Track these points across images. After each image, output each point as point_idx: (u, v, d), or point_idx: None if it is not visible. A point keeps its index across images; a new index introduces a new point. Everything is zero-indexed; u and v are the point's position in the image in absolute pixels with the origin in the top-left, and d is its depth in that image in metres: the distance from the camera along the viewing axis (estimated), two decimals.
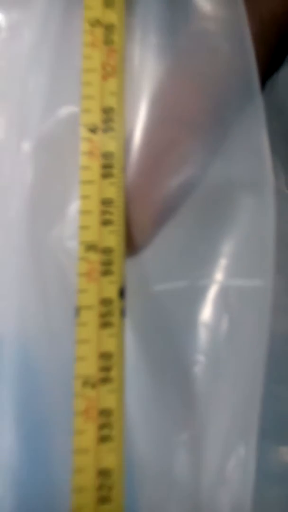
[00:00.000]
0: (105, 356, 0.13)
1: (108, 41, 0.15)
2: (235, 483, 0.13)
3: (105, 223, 0.14)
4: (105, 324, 0.13)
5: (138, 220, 0.14)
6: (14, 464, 0.14)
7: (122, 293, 0.13)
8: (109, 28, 0.16)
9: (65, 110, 0.15)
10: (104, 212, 0.14)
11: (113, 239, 0.14)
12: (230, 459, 0.13)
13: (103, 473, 0.12)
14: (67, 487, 0.13)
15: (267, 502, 0.20)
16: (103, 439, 0.13)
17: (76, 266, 0.14)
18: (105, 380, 0.13)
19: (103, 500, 0.12)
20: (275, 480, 0.21)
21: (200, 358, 0.14)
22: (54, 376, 0.14)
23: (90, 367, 0.13)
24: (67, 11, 0.16)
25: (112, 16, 0.16)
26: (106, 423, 0.13)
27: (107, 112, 0.15)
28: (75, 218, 0.15)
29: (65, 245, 0.15)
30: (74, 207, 0.15)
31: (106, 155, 0.14)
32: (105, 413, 0.13)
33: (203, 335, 0.14)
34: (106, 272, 0.14)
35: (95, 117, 0.15)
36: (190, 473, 0.14)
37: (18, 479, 0.13)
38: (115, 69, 0.15)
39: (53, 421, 0.14)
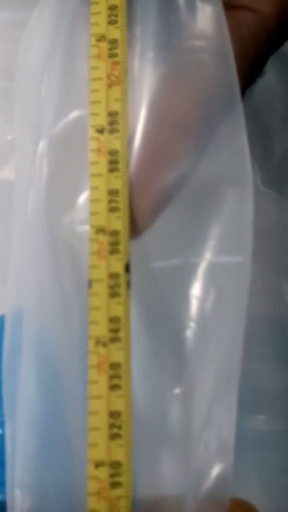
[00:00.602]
0: (113, 320, 0.16)
1: (112, 54, 0.18)
2: (221, 424, 0.16)
3: (112, 210, 0.17)
4: (113, 294, 0.16)
5: (140, 208, 0.16)
6: (37, 415, 0.16)
7: (127, 268, 0.16)
8: (112, 43, 0.18)
9: (75, 114, 0.18)
10: (111, 201, 0.17)
11: (119, 223, 0.16)
12: (216, 406, 0.16)
13: (114, 415, 0.15)
14: (82, 428, 0.15)
15: (244, 465, 0.23)
16: (113, 387, 0.15)
17: (86, 246, 0.17)
18: (114, 340, 0.16)
19: (114, 436, 0.15)
20: (251, 445, 0.24)
21: (191, 323, 0.17)
22: (68, 340, 0.17)
23: (101, 329, 0.16)
24: (74, 27, 0.19)
25: (115, 32, 0.18)
26: (116, 374, 0.15)
27: (112, 115, 0.17)
28: (84, 206, 0.17)
29: (76, 229, 0.17)
30: (84, 196, 0.17)
31: (112, 152, 0.17)
32: (114, 366, 0.15)
33: (193, 304, 0.17)
34: (113, 251, 0.16)
35: (102, 120, 0.17)
36: (182, 420, 0.17)
37: (41, 425, 0.16)
38: (119, 79, 0.18)
39: (69, 379, 0.17)
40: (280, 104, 0.34)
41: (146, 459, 0.16)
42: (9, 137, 0.29)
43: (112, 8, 0.18)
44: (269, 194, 0.31)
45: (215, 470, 0.16)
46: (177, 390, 0.17)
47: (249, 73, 0.18)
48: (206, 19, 0.18)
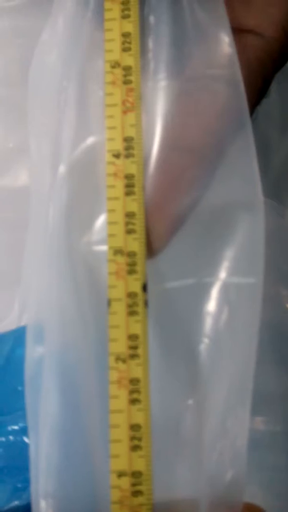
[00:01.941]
0: (132, 337, 0.17)
1: (126, 81, 0.19)
2: (234, 434, 0.17)
3: (129, 232, 0.17)
4: (131, 313, 0.17)
5: (156, 230, 0.17)
6: (59, 428, 0.17)
7: (145, 288, 0.17)
8: (126, 70, 0.19)
9: (92, 139, 0.19)
10: (128, 223, 0.18)
11: (136, 245, 0.17)
12: (229, 417, 0.17)
13: (134, 427, 0.16)
14: (103, 440, 0.16)
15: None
16: (133, 401, 0.16)
17: (104, 266, 0.18)
18: (133, 356, 0.17)
19: (135, 447, 0.16)
20: (251, 445, 0.25)
21: (205, 340, 0.18)
22: (87, 356, 0.18)
23: (121, 346, 0.17)
24: (88, 53, 0.20)
25: (129, 59, 0.19)
26: (135, 389, 0.16)
27: (127, 141, 0.18)
28: (101, 228, 0.18)
29: (94, 249, 0.18)
30: (101, 218, 0.18)
31: (128, 176, 0.18)
32: (134, 381, 0.16)
33: (207, 322, 0.18)
34: (131, 271, 0.17)
35: (118, 145, 0.18)
36: (197, 430, 0.18)
37: (63, 438, 0.17)
38: (134, 105, 0.19)
39: (89, 392, 0.17)
40: (278, 114, 0.35)
41: (163, 466, 0.17)
42: (11, 145, 0.30)
43: (125, 35, 0.19)
44: (267, 203, 0.32)
45: (229, 477, 0.17)
46: (191, 402, 0.18)
47: (257, 98, 0.19)
48: (217, 47, 0.18)
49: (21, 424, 0.23)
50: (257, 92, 0.19)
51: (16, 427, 0.23)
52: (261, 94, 0.20)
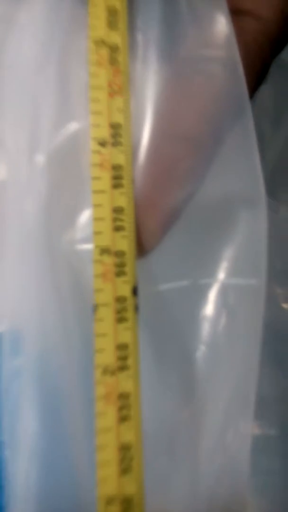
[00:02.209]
0: (121, 347, 0.15)
1: (113, 61, 0.17)
2: (234, 451, 0.15)
3: (117, 229, 0.16)
4: (120, 319, 0.15)
5: (147, 226, 0.16)
6: (39, 446, 0.15)
7: (135, 291, 0.15)
8: (113, 49, 0.17)
9: (74, 125, 0.17)
10: (115, 219, 0.16)
11: (124, 243, 0.16)
12: (229, 432, 0.16)
13: (124, 448, 0.14)
14: (89, 463, 0.15)
15: None
16: (122, 418, 0.15)
17: (87, 267, 0.16)
18: (122, 368, 0.15)
19: (124, 471, 0.14)
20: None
21: (201, 347, 0.16)
22: (70, 366, 0.16)
23: (108, 357, 0.15)
24: (70, 30, 0.18)
25: (115, 37, 0.17)
26: (125, 405, 0.15)
27: (115, 127, 0.16)
28: (85, 224, 0.16)
29: (77, 249, 0.16)
30: (85, 214, 0.16)
31: (116, 167, 0.16)
32: (123, 396, 0.15)
33: (204, 328, 0.16)
34: (119, 273, 0.15)
35: (104, 132, 0.16)
36: (191, 449, 0.16)
37: (43, 459, 0.15)
38: (121, 88, 0.17)
39: (72, 406, 0.16)
40: (271, 107, 0.34)
41: (156, 489, 0.16)
42: None
43: (111, 10, 0.17)
44: None
45: (229, 496, 0.15)
46: (187, 416, 0.16)
47: (255, 83, 0.18)
48: (213, 26, 0.17)
49: None
50: (255, 76, 0.17)
51: None
52: (260, 79, 0.18)
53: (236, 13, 0.17)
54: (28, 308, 0.16)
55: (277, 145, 0.33)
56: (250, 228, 0.16)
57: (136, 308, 0.15)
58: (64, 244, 0.16)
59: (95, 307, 0.15)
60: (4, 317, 0.17)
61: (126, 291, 0.15)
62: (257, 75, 0.17)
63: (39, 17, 0.18)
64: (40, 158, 0.16)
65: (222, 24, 0.17)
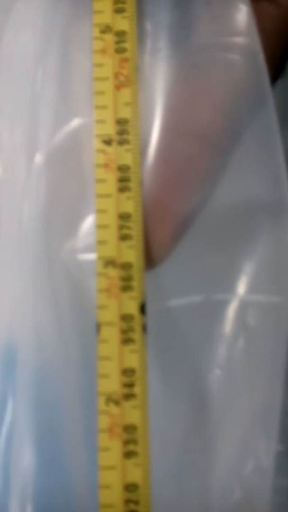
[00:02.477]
0: (127, 372, 0.13)
1: (119, 49, 0.15)
2: (252, 487, 0.14)
3: (123, 238, 0.14)
4: (126, 341, 0.13)
5: (157, 235, 0.14)
6: (34, 482, 0.14)
7: (143, 308, 0.14)
8: (120, 35, 0.15)
9: (77, 121, 0.15)
10: (121, 227, 0.14)
11: (132, 254, 0.14)
12: (247, 464, 0.14)
13: (130, 488, 0.13)
14: (91, 503, 0.13)
15: None
16: (128, 454, 0.13)
17: (90, 280, 0.14)
18: (128, 396, 0.13)
19: None
20: None
21: (216, 371, 0.14)
22: (67, 385, 0.14)
23: (113, 384, 0.13)
24: (72, 16, 0.16)
25: (123, 23, 0.15)
26: (131, 439, 0.13)
27: (121, 123, 0.15)
28: (87, 232, 0.15)
29: (78, 259, 0.15)
30: (88, 220, 0.15)
31: (122, 168, 0.14)
32: (129, 429, 0.13)
33: (219, 349, 0.14)
34: (126, 288, 0.14)
35: (110, 129, 0.15)
36: (204, 490, 0.14)
37: (39, 497, 0.14)
38: (129, 79, 0.15)
39: (71, 437, 0.14)
40: (280, 105, 0.32)
41: None
42: None
43: None
44: None
45: None
46: (198, 447, 0.14)
47: (274, 74, 0.16)
48: (231, 11, 0.15)
49: None
50: (275, 65, 0.16)
51: None
52: (279, 70, 0.17)
53: None
54: (23, 322, 0.14)
55: (285, 144, 0.31)
56: (273, 238, 0.14)
57: (144, 328, 0.14)
58: (64, 253, 0.15)
59: (98, 326, 0.13)
60: None
61: (133, 308, 0.14)
62: (276, 66, 0.16)
63: (39, 2, 0.16)
64: (39, 158, 0.15)
65: (240, 9, 0.15)
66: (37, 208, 0.14)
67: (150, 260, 0.14)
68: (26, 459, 0.14)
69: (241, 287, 0.14)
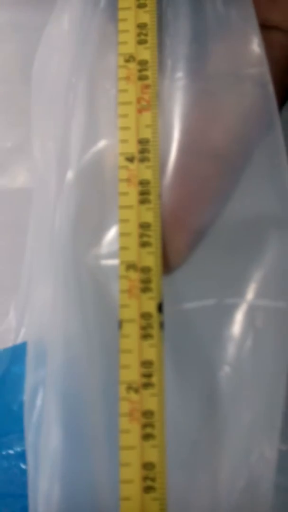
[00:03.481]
0: (146, 364, 0.15)
1: (142, 77, 0.17)
2: (257, 476, 0.15)
3: (143, 244, 0.16)
4: (145, 336, 0.15)
5: (174, 243, 0.15)
6: (61, 462, 0.15)
7: (160, 308, 0.15)
8: (142, 64, 0.17)
9: (103, 142, 0.17)
10: (142, 235, 0.16)
11: (151, 259, 0.16)
12: (252, 454, 0.15)
13: (147, 466, 0.14)
14: (111, 480, 0.15)
15: None
16: (146, 436, 0.14)
17: (113, 283, 0.16)
18: (147, 385, 0.15)
19: (148, 489, 0.14)
20: None
21: (226, 367, 0.16)
22: (92, 378, 0.16)
23: (133, 374, 0.15)
24: (100, 45, 0.18)
25: (145, 53, 0.17)
26: (149, 423, 0.14)
27: (143, 143, 0.16)
28: (112, 240, 0.16)
29: (102, 264, 0.16)
30: (112, 230, 0.16)
31: (143, 183, 0.16)
32: (147, 414, 0.15)
33: (229, 349, 0.16)
34: (145, 289, 0.15)
35: (132, 147, 0.16)
36: (213, 472, 0.16)
37: (65, 475, 0.15)
38: (150, 104, 0.17)
39: (94, 422, 0.16)
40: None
41: (175, 505, 0.15)
42: (9, 144, 0.28)
43: (141, 26, 0.17)
44: None
45: None
46: (208, 435, 0.16)
47: (284, 100, 0.18)
48: (243, 44, 0.17)
49: (16, 449, 0.21)
50: (284, 92, 0.17)
51: (11, 452, 0.22)
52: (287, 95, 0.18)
53: (263, 27, 0.17)
54: (53, 322, 0.16)
55: None
56: (280, 249, 0.15)
57: (162, 325, 0.15)
58: (90, 259, 0.16)
59: (120, 323, 0.15)
60: (30, 329, 0.17)
61: (151, 307, 0.15)
62: (285, 91, 0.17)
63: (70, 30, 0.18)
64: (70, 174, 0.16)
65: (252, 41, 0.17)
66: (67, 218, 0.16)
67: (167, 265, 0.16)
68: (54, 441, 0.15)
69: (250, 293, 0.16)
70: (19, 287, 0.19)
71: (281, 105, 0.18)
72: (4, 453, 0.22)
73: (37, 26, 0.19)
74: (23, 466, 0.22)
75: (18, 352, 0.22)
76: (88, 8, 0.18)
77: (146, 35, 0.17)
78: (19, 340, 0.22)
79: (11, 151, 0.28)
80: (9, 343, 0.23)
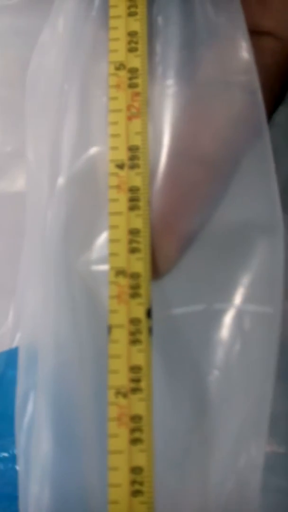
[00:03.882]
0: (135, 369, 0.15)
1: (132, 85, 0.17)
2: (245, 478, 0.15)
3: (133, 251, 0.16)
4: (134, 341, 0.15)
5: (163, 249, 0.16)
6: (51, 465, 0.15)
7: (149, 313, 0.15)
8: (132, 72, 0.17)
9: (94, 149, 0.17)
10: (131, 241, 0.16)
11: (140, 265, 0.16)
12: (241, 456, 0.15)
13: (135, 470, 0.14)
14: (100, 484, 0.15)
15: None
16: (134, 441, 0.15)
17: (102, 288, 0.16)
18: (135, 390, 0.15)
19: (136, 493, 0.14)
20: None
21: (214, 371, 0.16)
22: (83, 383, 0.16)
23: (121, 379, 0.15)
24: (91, 53, 0.18)
25: (135, 61, 0.17)
26: (137, 427, 0.15)
27: (132, 150, 0.17)
28: (101, 246, 0.17)
29: (92, 269, 0.17)
30: (102, 235, 0.17)
31: (133, 189, 0.16)
32: (136, 418, 0.15)
33: (217, 353, 0.16)
34: (134, 295, 0.16)
35: (122, 154, 0.17)
36: (201, 474, 0.16)
37: (55, 478, 0.15)
38: (139, 111, 0.17)
39: (85, 426, 0.16)
40: (284, 122, 0.34)
41: (164, 507, 0.16)
42: (9, 148, 0.28)
43: (132, 34, 0.18)
44: None
45: None
46: (198, 441, 0.16)
47: (273, 105, 0.18)
48: (233, 51, 0.17)
49: (11, 451, 0.22)
50: (274, 99, 0.17)
51: (6, 454, 0.22)
52: (278, 101, 0.18)
53: (254, 33, 0.17)
54: (45, 326, 0.16)
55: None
56: (267, 255, 0.16)
57: (150, 331, 0.15)
58: (80, 264, 0.17)
59: (109, 328, 0.15)
60: (23, 332, 0.17)
61: (140, 313, 0.15)
62: (275, 98, 0.18)
63: (63, 37, 0.18)
64: (61, 180, 0.17)
65: (241, 48, 0.17)
66: (58, 224, 0.16)
67: (156, 271, 0.16)
68: (44, 446, 0.16)
69: (238, 298, 0.16)
70: (16, 291, 0.20)
71: (271, 111, 0.18)
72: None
73: (38, 32, 0.20)
74: (18, 469, 0.22)
75: (14, 356, 0.22)
76: (81, 15, 0.18)
77: (136, 43, 0.18)
78: (15, 344, 0.23)
79: (10, 155, 0.28)
80: (8, 347, 0.23)
